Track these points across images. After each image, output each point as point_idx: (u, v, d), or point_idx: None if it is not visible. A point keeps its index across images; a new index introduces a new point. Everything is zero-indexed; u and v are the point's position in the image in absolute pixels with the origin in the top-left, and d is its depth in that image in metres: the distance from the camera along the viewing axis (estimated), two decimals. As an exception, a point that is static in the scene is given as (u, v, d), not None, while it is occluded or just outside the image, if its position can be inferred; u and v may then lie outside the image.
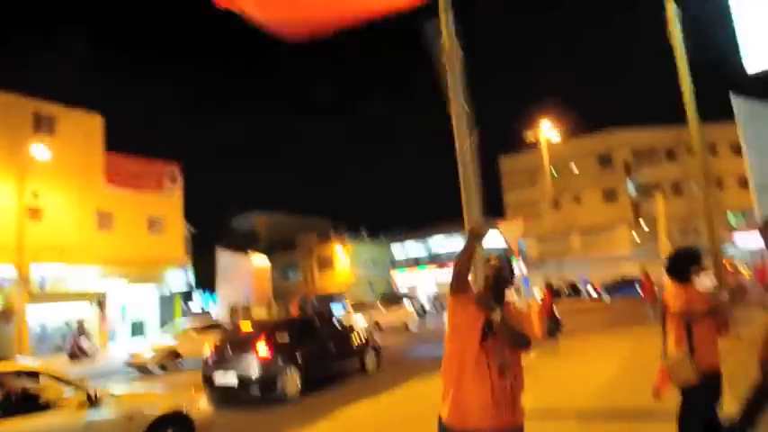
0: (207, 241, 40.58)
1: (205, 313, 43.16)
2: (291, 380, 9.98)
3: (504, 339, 2.82)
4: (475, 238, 2.93)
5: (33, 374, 5.75)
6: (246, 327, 12.12)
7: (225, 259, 28.47)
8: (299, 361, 10.23)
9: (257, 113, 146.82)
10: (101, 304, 22.97)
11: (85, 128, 24.27)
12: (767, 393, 4.44)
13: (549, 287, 14.61)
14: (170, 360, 15.84)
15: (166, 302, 27.39)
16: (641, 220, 41.41)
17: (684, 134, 14.16)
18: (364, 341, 12.50)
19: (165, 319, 26.07)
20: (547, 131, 36.27)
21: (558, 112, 66.60)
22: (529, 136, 37.36)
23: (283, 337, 10.48)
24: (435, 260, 55.05)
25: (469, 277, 3.03)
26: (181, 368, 15.87)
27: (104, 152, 24.84)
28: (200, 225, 33.49)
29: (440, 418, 2.95)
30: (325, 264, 55.78)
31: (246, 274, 28.13)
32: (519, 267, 13.89)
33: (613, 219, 44.13)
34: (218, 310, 29.55)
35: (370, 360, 12.27)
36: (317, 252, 56.18)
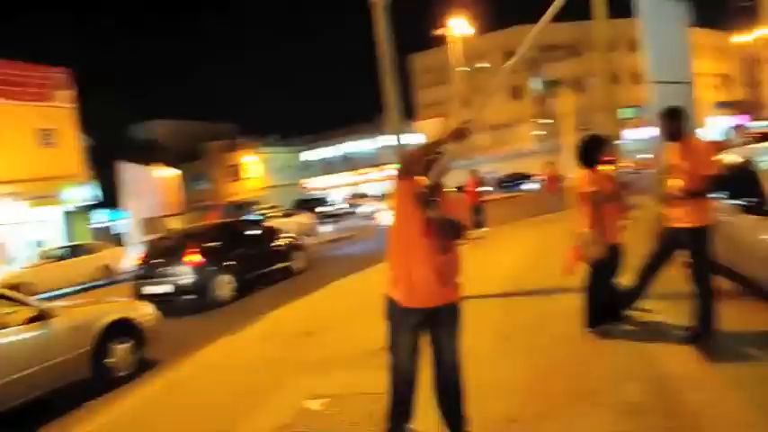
0: (108, 154, 38.16)
1: (106, 228, 41.55)
2: (224, 284, 10.16)
3: (440, 231, 3.04)
4: (456, 137, 3.04)
5: None
6: (175, 235, 12.22)
7: (128, 172, 26.94)
8: (231, 265, 10.40)
9: (156, 16, 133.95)
10: (-7, 229, 21.36)
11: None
12: (657, 263, 5.07)
13: (474, 175, 14.95)
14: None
15: (72, 220, 25.87)
16: (545, 117, 43.16)
17: (585, 31, 14.62)
18: (291, 243, 12.77)
19: (72, 238, 24.75)
20: (456, 28, 36.06)
21: (468, 8, 65.72)
22: (436, 31, 37.08)
23: (213, 243, 10.59)
24: (349, 164, 55.15)
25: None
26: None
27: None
28: (99, 137, 31.18)
29: (391, 300, 3.19)
30: (234, 172, 54.39)
31: (153, 185, 26.92)
32: None
33: (519, 115, 45.70)
34: (128, 224, 28.35)
35: (298, 261, 12.61)
36: (225, 160, 54.46)
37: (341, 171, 54.52)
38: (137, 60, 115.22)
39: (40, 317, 5.50)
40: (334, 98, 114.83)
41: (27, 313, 5.46)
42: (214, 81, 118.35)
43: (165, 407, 5.01)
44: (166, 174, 28.29)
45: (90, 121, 28.06)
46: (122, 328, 6.22)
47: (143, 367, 6.32)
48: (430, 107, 46.58)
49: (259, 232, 12.64)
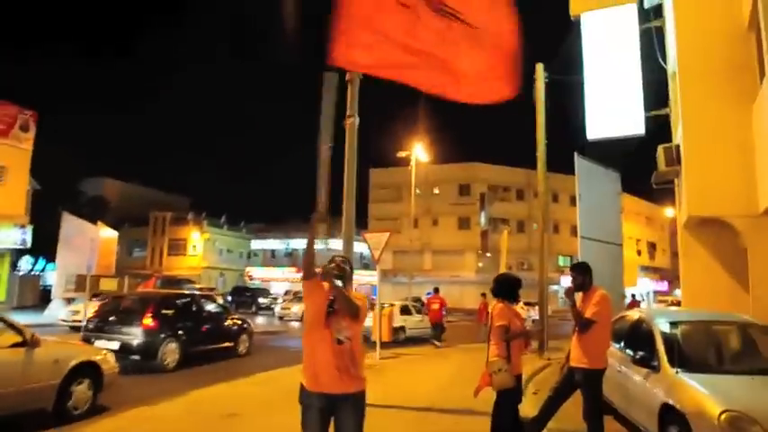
0: (50, 201, 37.19)
1: (34, 276, 39.43)
2: (170, 352, 10.57)
3: (341, 307, 3.61)
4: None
5: None
6: (132, 296, 12.91)
7: (70, 225, 26.33)
8: (180, 335, 10.87)
9: (128, 74, 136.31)
10: None
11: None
12: (562, 395, 5.68)
13: (437, 292, 16.44)
14: None
15: (-6, 261, 24.83)
16: (488, 251, 45.23)
17: (534, 178, 16.22)
18: (239, 325, 13.36)
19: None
20: (417, 153, 38.49)
21: (430, 137, 70.23)
22: (400, 153, 39.45)
23: (168, 311, 11.10)
24: (294, 260, 55.18)
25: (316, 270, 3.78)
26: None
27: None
28: (45, 183, 30.70)
29: (301, 384, 3.68)
30: (177, 246, 53.50)
31: (91, 243, 26.25)
32: (378, 278, 15.08)
33: (464, 244, 47.69)
34: (55, 276, 27.25)
35: (242, 343, 13.13)
36: (170, 233, 53.73)
37: (285, 266, 54.39)
38: (100, 117, 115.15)
39: (26, 343, 5.98)
40: (289, 192, 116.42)
41: (15, 338, 5.96)
42: (176, 151, 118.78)
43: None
44: (106, 234, 27.77)
45: (40, 165, 27.82)
46: (87, 369, 6.73)
47: (97, 408, 6.76)
48: (380, 221, 48.17)
49: (213, 309, 13.07)
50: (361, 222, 48.47)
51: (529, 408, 6.31)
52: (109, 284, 17.03)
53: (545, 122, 14.55)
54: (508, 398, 5.44)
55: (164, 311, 10.92)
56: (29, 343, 6.03)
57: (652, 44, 10.45)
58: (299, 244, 56.20)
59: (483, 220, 48.62)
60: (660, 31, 10.63)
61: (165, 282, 40.99)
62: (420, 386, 9.48)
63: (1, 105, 24.41)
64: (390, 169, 49.43)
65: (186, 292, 16.72)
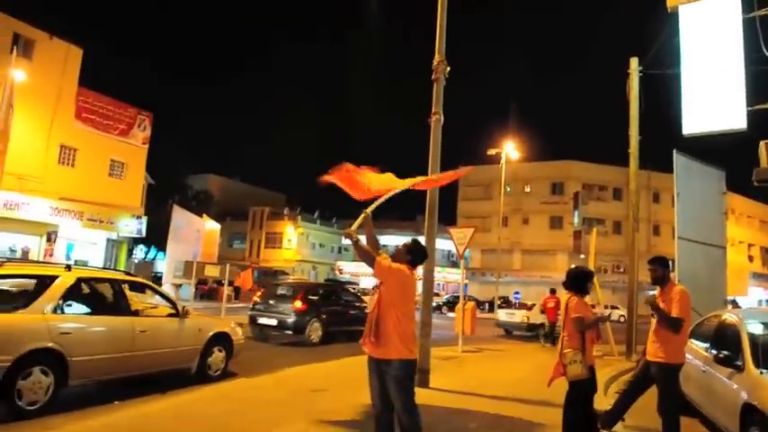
0: (162, 195, 40.43)
1: (148, 263, 43.02)
2: (315, 329, 13.20)
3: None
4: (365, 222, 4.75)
5: (142, 285, 8.28)
6: (287, 284, 16.39)
7: (179, 216, 28.61)
8: (323, 316, 13.47)
9: (241, 82, 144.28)
10: (50, 238, 22.93)
11: (64, 59, 24.01)
12: (635, 390, 5.68)
13: (553, 293, 17.03)
14: None
15: (113, 247, 27.45)
16: (581, 252, 43.72)
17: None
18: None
19: (110, 262, 26.16)
20: (509, 151, 37.95)
21: (521, 134, 68.74)
22: (490, 150, 39.06)
23: (313, 297, 13.69)
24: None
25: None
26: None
27: (79, 87, 24.68)
28: (157, 178, 33.45)
29: None
30: (274, 239, 56.10)
31: (197, 234, 28.37)
32: (461, 277, 15.54)
33: (555, 245, 46.39)
34: (165, 263, 29.74)
35: None
36: (267, 226, 56.44)
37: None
38: (207, 117, 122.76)
39: (179, 314, 7.55)
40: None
41: (170, 310, 7.59)
42: (273, 149, 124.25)
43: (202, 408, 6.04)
44: (210, 226, 29.86)
45: (154, 162, 30.41)
46: (221, 339, 8.17)
47: (227, 373, 8.21)
48: (469, 219, 47.90)
49: (349, 298, 15.68)
50: (451, 220, 48.50)
51: (606, 404, 6.32)
52: (212, 271, 18.35)
53: (640, 118, 14.05)
54: (581, 389, 5.52)
55: (310, 297, 13.58)
56: (180, 314, 7.57)
57: (756, 34, 9.86)
58: (388, 240, 57.08)
59: (576, 219, 46.88)
60: (766, 21, 10.01)
61: (262, 273, 43.37)
62: (498, 378, 9.62)
63: (122, 107, 26.95)
64: (480, 167, 49.06)
65: (329, 283, 19.28)
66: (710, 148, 13.14)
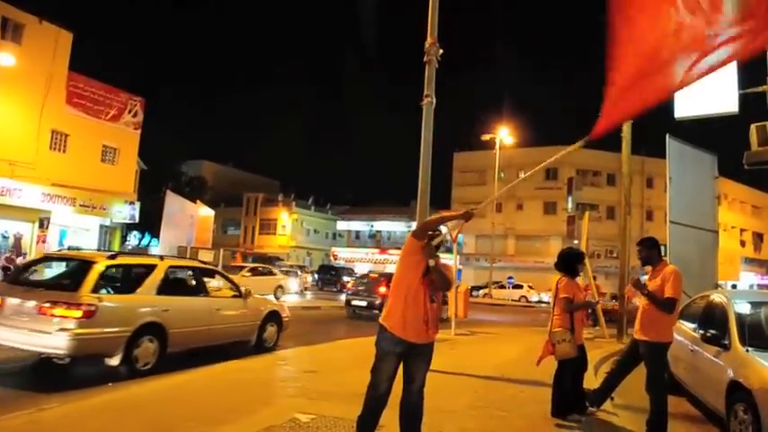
0: (155, 181, 40.25)
1: (141, 249, 42.92)
2: None
3: (437, 280, 3.94)
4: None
5: (210, 271, 9.50)
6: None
7: (173, 202, 28.58)
8: None
9: (231, 66, 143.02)
10: (42, 224, 22.81)
11: (54, 43, 23.67)
12: (623, 368, 5.75)
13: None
14: None
15: (107, 233, 27.35)
16: (574, 237, 43.97)
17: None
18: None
19: (102, 249, 26.06)
20: (502, 136, 37.94)
21: (515, 120, 68.61)
22: (484, 136, 39.01)
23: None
24: (377, 242, 56.21)
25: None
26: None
27: (69, 72, 24.40)
28: (150, 164, 33.30)
29: (383, 328, 4.03)
30: (268, 226, 56.09)
31: (191, 220, 28.38)
32: (454, 260, 15.51)
33: (549, 230, 46.55)
34: (159, 249, 29.69)
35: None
36: (261, 213, 56.40)
37: (368, 247, 55.59)
38: (200, 102, 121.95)
39: (242, 295, 8.97)
40: (378, 176, 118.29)
41: (234, 292, 8.99)
42: (269, 132, 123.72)
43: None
44: (204, 212, 29.84)
45: (147, 148, 30.24)
46: (273, 316, 9.62)
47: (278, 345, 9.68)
48: (463, 205, 47.97)
49: None
50: (445, 206, 48.54)
51: (596, 384, 6.40)
52: (206, 256, 18.42)
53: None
54: (570, 367, 5.62)
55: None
56: (243, 295, 8.99)
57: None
58: (383, 226, 57.16)
59: (570, 204, 47.02)
60: (759, 3, 9.97)
61: (256, 258, 43.37)
62: (489, 359, 9.73)
63: (113, 92, 26.69)
64: (474, 152, 48.99)
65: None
66: (703, 132, 13.14)
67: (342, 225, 60.18)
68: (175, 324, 7.40)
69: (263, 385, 6.55)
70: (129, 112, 27.27)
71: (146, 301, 7.21)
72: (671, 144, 12.07)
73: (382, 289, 16.33)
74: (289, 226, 55.32)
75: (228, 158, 66.34)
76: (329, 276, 36.80)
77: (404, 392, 4.05)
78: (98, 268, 6.84)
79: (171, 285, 7.83)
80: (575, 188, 42.36)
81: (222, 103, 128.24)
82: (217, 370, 7.17)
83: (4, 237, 22.08)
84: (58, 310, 6.32)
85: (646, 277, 5.56)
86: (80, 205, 23.99)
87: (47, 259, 9.13)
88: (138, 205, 27.48)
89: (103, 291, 6.92)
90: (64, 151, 24.42)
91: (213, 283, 9.29)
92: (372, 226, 58.01)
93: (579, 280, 5.95)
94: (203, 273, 8.90)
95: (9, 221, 22.09)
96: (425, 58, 8.55)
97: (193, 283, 8.56)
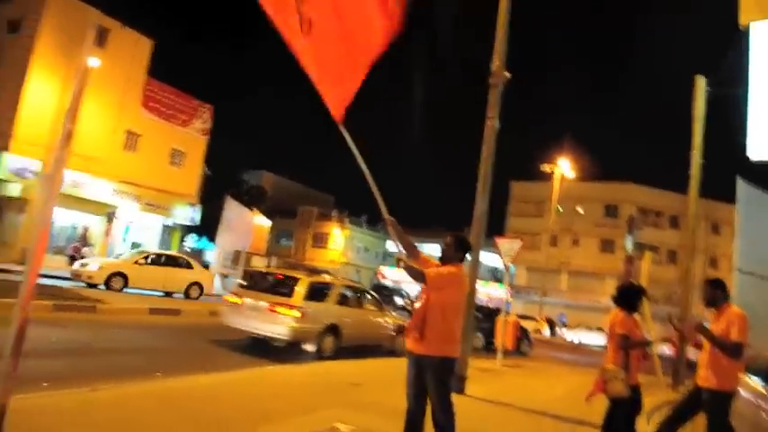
0: (217, 187, 41.57)
1: (197, 251, 44.25)
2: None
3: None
4: (390, 225, 4.42)
5: (360, 290, 12.01)
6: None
7: (232, 209, 29.42)
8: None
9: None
10: (109, 218, 23.93)
11: (135, 49, 25.12)
12: (682, 416, 5.42)
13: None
14: (117, 281, 15.76)
15: (168, 233, 28.38)
16: (632, 278, 42.34)
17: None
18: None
19: (162, 247, 27.03)
20: (562, 169, 37.18)
21: (575, 153, 67.11)
22: (544, 167, 38.33)
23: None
24: (425, 264, 55.63)
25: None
26: (126, 293, 15.70)
27: (147, 76, 25.73)
28: (213, 170, 34.42)
29: None
30: (320, 240, 56.75)
31: (249, 227, 29.08)
32: (505, 292, 15.36)
33: (606, 269, 45.05)
34: (215, 253, 30.56)
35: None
36: (315, 226, 57.16)
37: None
38: (266, 113, 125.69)
39: (381, 311, 11.98)
40: (432, 200, 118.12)
41: (375, 306, 11.88)
42: (325, 150, 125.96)
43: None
44: (261, 221, 30.53)
45: (213, 155, 31.34)
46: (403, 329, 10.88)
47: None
48: (518, 235, 47.13)
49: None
50: (499, 233, 47.88)
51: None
52: (259, 262, 18.81)
53: (704, 142, 13.52)
54: (622, 408, 5.34)
55: None
56: (381, 310, 11.98)
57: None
58: (433, 249, 56.77)
59: (629, 244, 45.47)
60: None
61: (308, 271, 43.83)
62: (535, 393, 9.44)
63: (185, 98, 27.93)
64: (532, 183, 48.20)
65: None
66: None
67: (392, 245, 60.17)
68: (346, 326, 10.29)
69: (307, 391, 6.58)
70: (199, 118, 28.43)
71: (330, 309, 10.11)
72: (741, 187, 11.54)
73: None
74: (340, 242, 55.80)
75: (288, 170, 67.88)
76: (383, 296, 36.74)
77: (431, 410, 4.08)
78: (304, 283, 9.72)
79: (343, 299, 10.68)
80: (635, 227, 41.05)
81: (287, 117, 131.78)
82: (266, 372, 7.26)
83: (74, 228, 23.25)
84: (283, 310, 9.28)
85: (706, 323, 5.26)
86: (146, 204, 25.08)
87: (262, 273, 11.73)
88: (199, 208, 28.43)
89: (307, 299, 9.59)
90: (135, 151, 25.66)
91: (367, 300, 11.81)
92: (422, 249, 57.69)
93: (637, 317, 5.70)
94: (360, 292, 11.79)
95: (80, 213, 23.28)
96: (490, 81, 8.51)
97: (356, 298, 11.32)
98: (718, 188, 15.81)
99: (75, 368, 6.57)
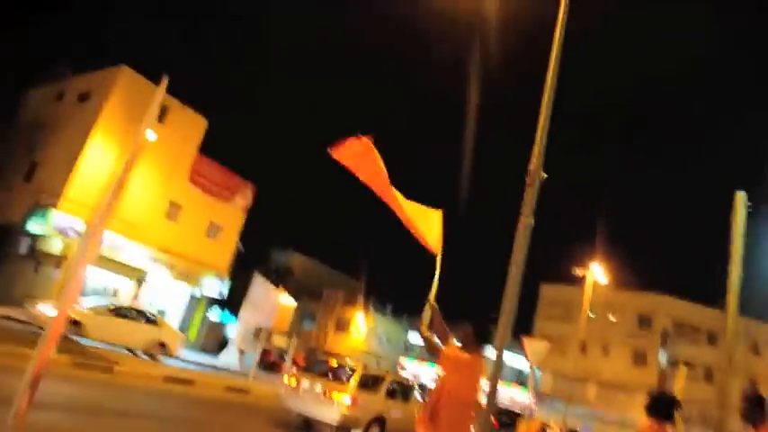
0: (245, 264, 42.13)
1: (219, 325, 44.20)
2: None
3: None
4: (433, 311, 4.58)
5: (408, 385, 12.71)
6: None
7: (259, 285, 29.67)
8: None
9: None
10: (139, 282, 24.35)
11: (190, 126, 26.64)
12: None
13: None
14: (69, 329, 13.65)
15: (194, 303, 28.57)
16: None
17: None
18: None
19: (186, 317, 27.15)
20: (595, 273, 36.54)
21: (609, 257, 66.12)
22: (577, 271, 37.70)
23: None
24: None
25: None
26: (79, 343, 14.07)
27: (197, 152, 27.06)
28: (245, 245, 35.03)
29: None
30: (343, 325, 56.03)
31: (274, 305, 29.16)
32: (529, 396, 14.82)
33: (637, 383, 43.02)
34: (237, 327, 30.50)
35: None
36: (339, 312, 56.61)
37: (434, 362, 53.78)
38: (305, 197, 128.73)
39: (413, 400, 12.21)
40: (461, 295, 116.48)
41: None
42: (353, 236, 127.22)
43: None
44: (286, 300, 30.61)
45: (245, 231, 32.03)
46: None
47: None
48: (545, 336, 45.77)
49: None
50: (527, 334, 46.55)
51: None
52: (280, 341, 18.63)
53: (744, 258, 13.26)
54: None
55: None
56: (415, 400, 11.92)
57: None
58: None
59: (663, 359, 43.63)
60: None
61: (323, 357, 43.11)
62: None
63: (229, 175, 29.09)
64: (563, 286, 47.37)
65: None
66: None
67: (414, 337, 59.00)
68: (391, 418, 10.78)
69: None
70: (241, 194, 29.42)
71: (379, 400, 10.74)
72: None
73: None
74: (364, 330, 55.03)
75: (317, 251, 68.47)
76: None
77: None
78: (359, 372, 10.49)
79: (392, 392, 11.25)
80: (669, 342, 39.54)
81: (322, 200, 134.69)
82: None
83: (104, 289, 23.69)
84: (336, 395, 9.79)
85: None
86: (177, 272, 25.54)
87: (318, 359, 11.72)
88: (227, 282, 28.74)
89: (360, 388, 10.20)
90: (176, 221, 26.50)
91: (413, 395, 12.21)
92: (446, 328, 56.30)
93: (669, 430, 5.43)
94: (407, 386, 12.29)
95: (113, 275, 23.80)
96: (527, 180, 8.66)
97: (403, 392, 11.79)
98: (760, 308, 15.34)
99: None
